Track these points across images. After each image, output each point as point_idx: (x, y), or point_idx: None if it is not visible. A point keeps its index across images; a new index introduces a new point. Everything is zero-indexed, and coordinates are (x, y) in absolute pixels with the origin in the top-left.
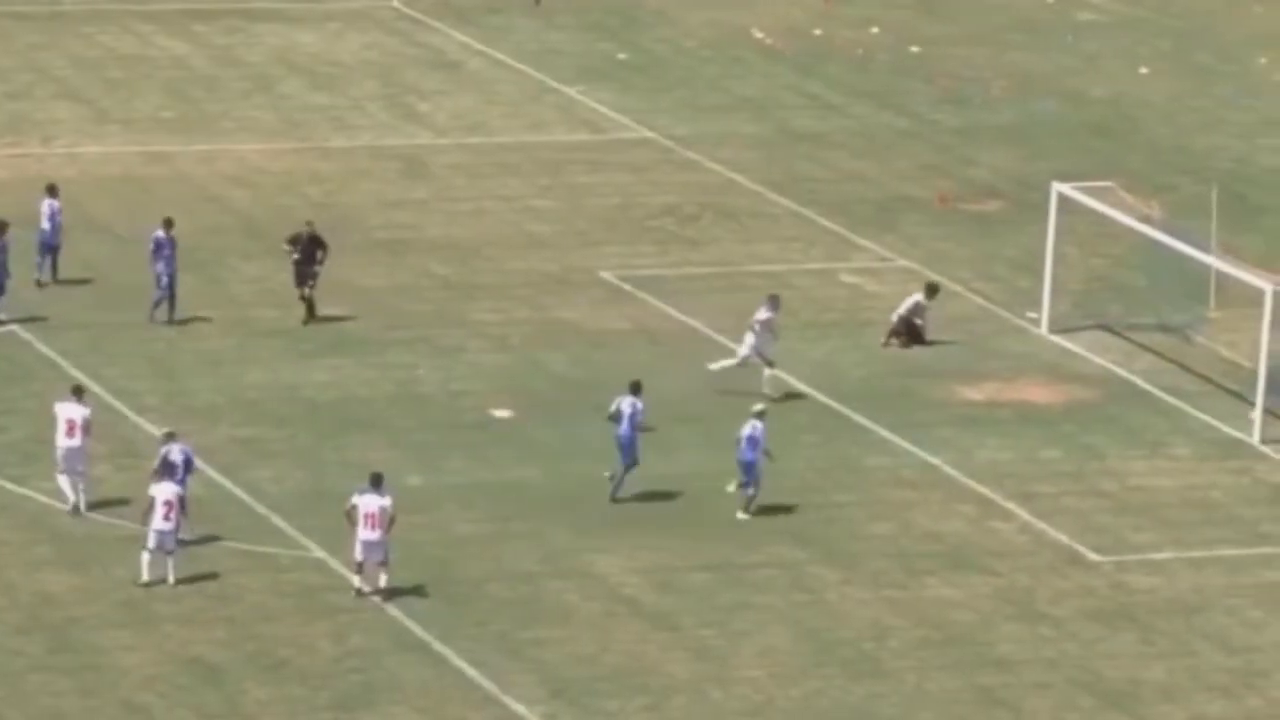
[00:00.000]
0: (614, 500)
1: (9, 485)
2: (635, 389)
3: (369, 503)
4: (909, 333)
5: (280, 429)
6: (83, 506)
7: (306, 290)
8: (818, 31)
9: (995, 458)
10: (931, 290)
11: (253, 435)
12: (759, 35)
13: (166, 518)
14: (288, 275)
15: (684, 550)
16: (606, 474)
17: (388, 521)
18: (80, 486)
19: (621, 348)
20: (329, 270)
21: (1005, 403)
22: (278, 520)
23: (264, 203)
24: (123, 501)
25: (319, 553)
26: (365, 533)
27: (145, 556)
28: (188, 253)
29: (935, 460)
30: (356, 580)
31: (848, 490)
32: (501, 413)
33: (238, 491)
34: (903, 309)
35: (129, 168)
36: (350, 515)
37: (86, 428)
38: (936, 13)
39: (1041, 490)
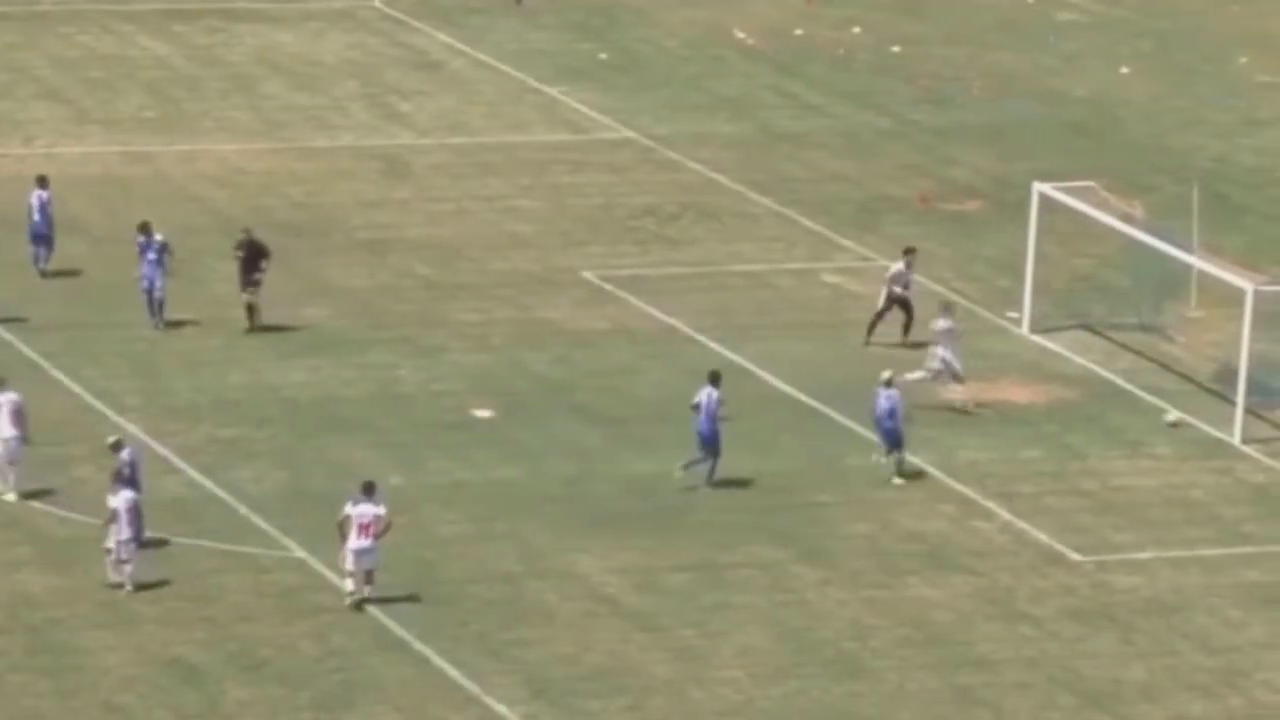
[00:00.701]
0: (711, 485)
1: None
2: (714, 379)
3: (364, 512)
4: (900, 304)
5: (261, 429)
6: (12, 496)
7: (248, 296)
8: (799, 31)
9: (976, 457)
10: (908, 252)
11: (234, 435)
12: (740, 35)
13: (131, 524)
14: (267, 275)
15: (664, 550)
16: (678, 468)
17: (383, 529)
18: (11, 478)
19: (603, 347)
20: (308, 270)
21: (987, 402)
22: (259, 520)
23: (244, 203)
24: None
25: (300, 553)
26: (358, 541)
27: (109, 559)
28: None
29: (917, 460)
30: (350, 584)
31: (829, 490)
32: (483, 413)
33: (219, 491)
34: (894, 287)
35: (109, 168)
36: (343, 526)
37: (16, 416)
38: (918, 13)
39: (1022, 490)
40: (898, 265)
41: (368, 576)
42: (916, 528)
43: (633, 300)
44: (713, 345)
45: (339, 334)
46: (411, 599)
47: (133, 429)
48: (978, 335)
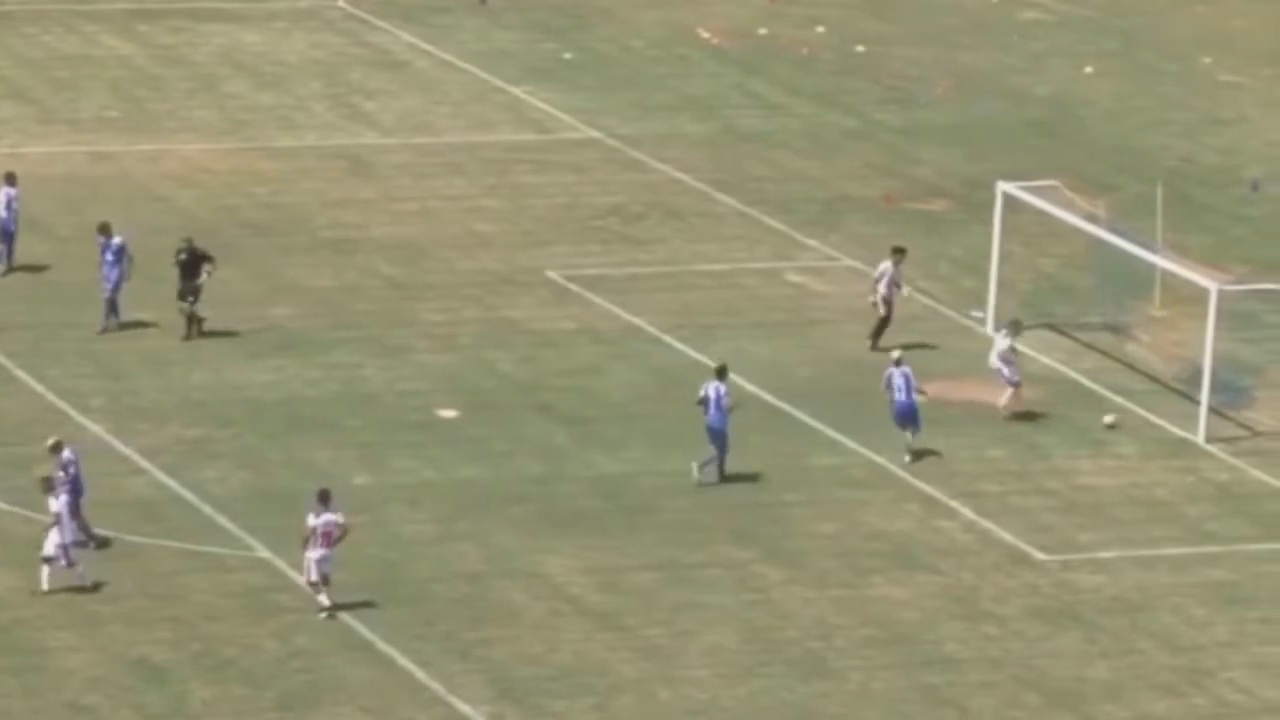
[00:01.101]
0: (723, 479)
1: None
2: (721, 373)
3: (327, 521)
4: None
5: (226, 429)
6: None
7: (187, 305)
8: (763, 31)
9: (942, 456)
10: (897, 251)
11: (198, 435)
12: (705, 34)
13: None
14: (232, 275)
15: (630, 550)
16: (694, 467)
17: (340, 535)
18: None
19: (568, 347)
20: (272, 270)
21: (952, 402)
22: (223, 520)
23: (209, 203)
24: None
25: (264, 553)
26: (318, 550)
27: (48, 567)
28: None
29: (882, 460)
30: (324, 598)
31: (795, 489)
32: (448, 412)
33: (184, 492)
34: (879, 286)
35: (74, 167)
36: (309, 538)
37: None
38: (881, 12)
39: (987, 489)
40: (884, 264)
41: (325, 579)
42: (882, 527)
43: (597, 300)
44: (678, 345)
45: (304, 334)
46: (376, 599)
47: (96, 429)
48: (943, 335)
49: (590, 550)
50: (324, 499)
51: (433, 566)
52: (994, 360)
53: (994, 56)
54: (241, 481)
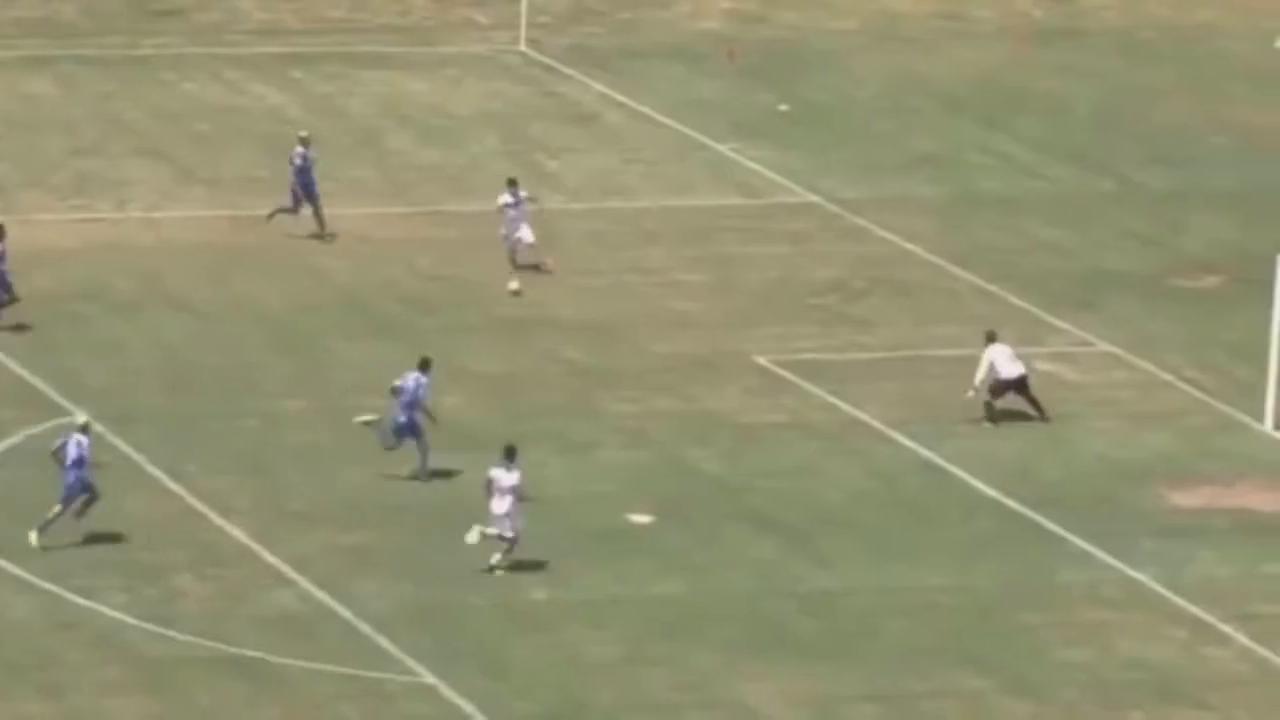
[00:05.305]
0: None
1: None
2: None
3: (499, 476)
4: (998, 391)
5: (386, 534)
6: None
7: None
8: (1007, 79)
9: (1210, 573)
10: (991, 336)
11: (354, 543)
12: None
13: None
14: (392, 357)
15: (847, 677)
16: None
17: (519, 496)
18: None
19: (777, 443)
20: (440, 353)
21: (1222, 509)
22: (382, 640)
23: (368, 274)
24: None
25: (429, 678)
26: (498, 504)
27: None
28: (280, 332)
29: (1140, 576)
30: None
31: (1038, 609)
32: (640, 518)
33: (338, 607)
34: (982, 373)
35: (215, 234)
36: (487, 487)
37: None
38: (1145, 59)
39: (1264, 610)
40: (991, 355)
41: (509, 545)
42: (1140, 654)
43: (813, 389)
44: (906, 441)
45: (475, 426)
46: None
47: (238, 533)
48: (1214, 432)
49: (801, 678)
50: (510, 455)
51: (620, 694)
52: None
53: (1275, 111)
54: (402, 595)
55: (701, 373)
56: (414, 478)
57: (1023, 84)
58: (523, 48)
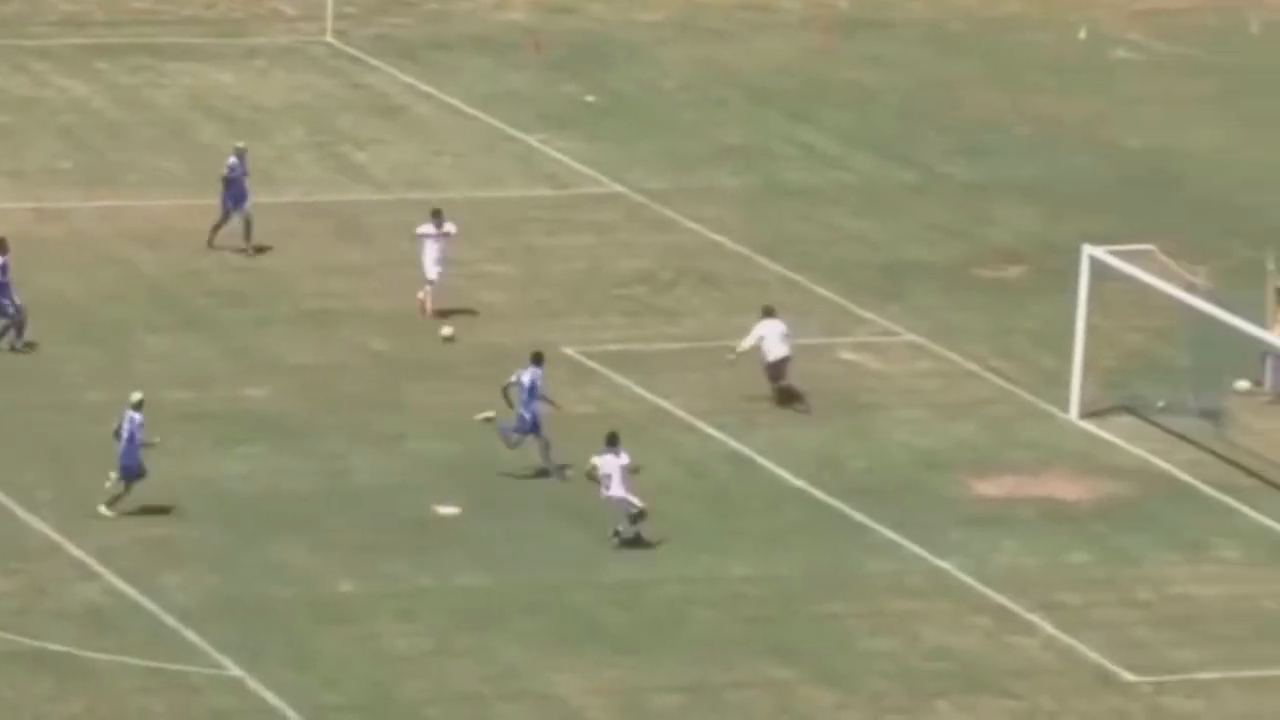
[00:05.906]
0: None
1: None
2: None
3: (606, 463)
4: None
5: (192, 528)
6: None
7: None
8: (812, 71)
9: (1015, 562)
10: (768, 311)
11: (161, 535)
12: (746, 74)
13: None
14: (200, 350)
15: (653, 668)
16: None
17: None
18: None
19: (586, 433)
20: (247, 345)
21: (1027, 499)
22: (189, 633)
23: (175, 266)
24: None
25: (236, 671)
26: (606, 491)
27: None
28: (85, 324)
29: (946, 565)
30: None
31: (844, 599)
32: (448, 509)
33: (143, 600)
34: (749, 343)
35: (19, 226)
36: (591, 474)
37: None
38: (951, 52)
39: (1068, 600)
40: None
41: (631, 519)
42: (946, 643)
43: (620, 380)
44: (713, 432)
45: (282, 418)
46: None
47: (41, 526)
48: (1018, 421)
49: (609, 668)
50: (613, 441)
51: (428, 686)
52: None
53: (1080, 102)
54: (209, 588)
55: (510, 364)
56: (543, 473)
57: (829, 75)
58: (329, 39)
